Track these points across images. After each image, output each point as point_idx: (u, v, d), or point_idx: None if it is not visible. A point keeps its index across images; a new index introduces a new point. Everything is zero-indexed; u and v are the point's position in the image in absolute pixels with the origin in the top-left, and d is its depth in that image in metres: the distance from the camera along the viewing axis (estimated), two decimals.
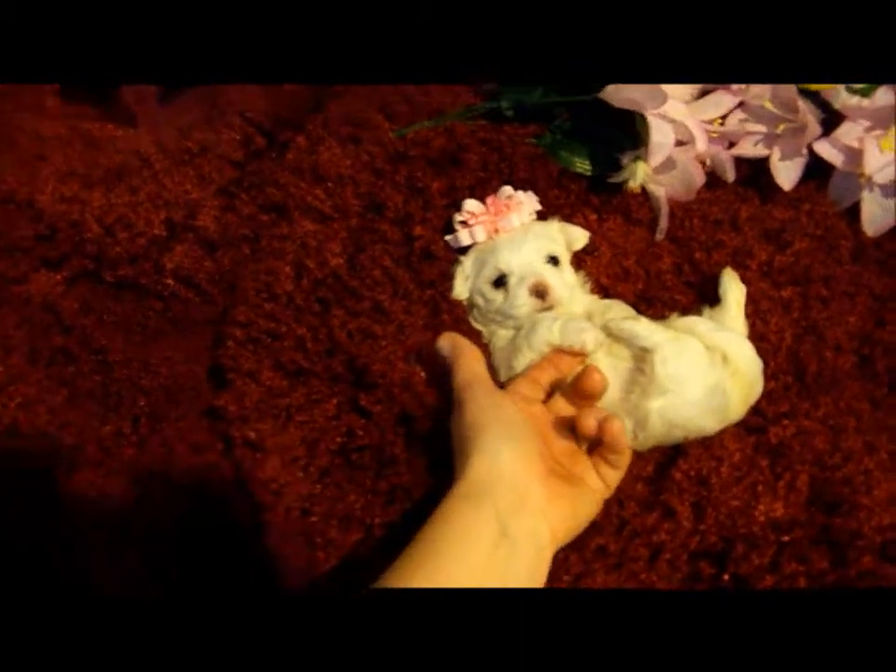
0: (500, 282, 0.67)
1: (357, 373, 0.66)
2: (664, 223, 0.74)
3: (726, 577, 0.58)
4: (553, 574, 0.54)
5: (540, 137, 0.77)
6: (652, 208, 0.75)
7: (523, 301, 0.65)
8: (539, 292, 0.65)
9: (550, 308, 0.66)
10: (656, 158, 0.71)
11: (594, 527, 0.59)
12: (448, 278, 0.70)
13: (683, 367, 0.60)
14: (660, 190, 0.74)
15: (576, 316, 0.65)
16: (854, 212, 0.74)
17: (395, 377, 0.65)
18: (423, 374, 0.66)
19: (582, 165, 0.76)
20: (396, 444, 0.64)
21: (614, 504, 0.60)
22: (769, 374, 0.65)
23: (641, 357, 0.61)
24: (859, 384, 0.66)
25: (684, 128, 0.71)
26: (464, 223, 0.71)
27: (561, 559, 0.57)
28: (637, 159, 0.73)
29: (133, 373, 0.74)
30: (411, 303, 0.69)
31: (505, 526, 0.51)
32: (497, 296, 0.67)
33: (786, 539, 0.59)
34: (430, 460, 0.63)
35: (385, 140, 0.76)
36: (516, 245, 0.68)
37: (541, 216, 0.73)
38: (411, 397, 0.64)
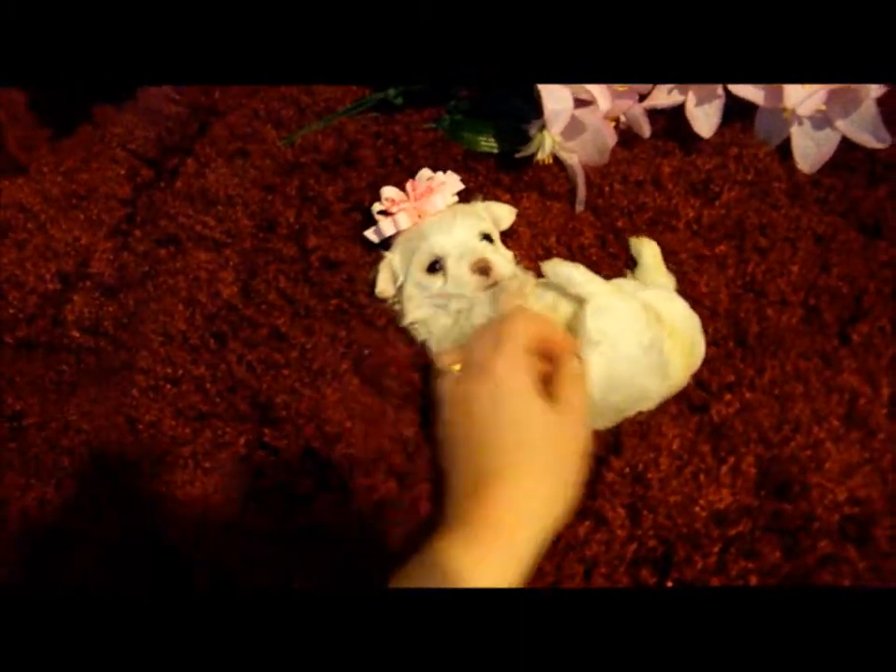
0: (435, 266, 0.62)
1: (261, 409, 0.62)
2: (581, 193, 0.68)
3: (669, 584, 0.53)
4: None
5: (439, 120, 0.71)
6: (568, 178, 0.69)
7: (467, 280, 0.60)
8: (482, 269, 0.61)
9: (494, 285, 0.61)
10: (556, 125, 0.64)
11: None
12: (353, 280, 0.65)
13: (614, 321, 0.56)
14: (572, 158, 0.68)
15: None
16: (786, 149, 0.66)
17: (300, 407, 0.61)
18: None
19: (488, 143, 0.71)
20: (303, 481, 0.59)
21: None
22: (708, 341, 0.60)
23: (577, 311, 0.57)
24: (806, 339, 0.60)
25: (584, 89, 0.64)
26: (384, 212, 0.65)
27: None
28: (543, 128, 0.67)
29: (51, 435, 0.70)
30: (313, 321, 0.64)
31: None
32: (435, 281, 0.62)
33: (732, 533, 0.53)
34: (339, 496, 0.58)
35: (273, 151, 0.71)
36: (446, 226, 0.63)
37: (461, 198, 0.68)
38: (315, 428, 0.59)
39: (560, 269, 0.58)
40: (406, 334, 0.63)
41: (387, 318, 0.63)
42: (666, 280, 0.62)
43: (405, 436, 0.59)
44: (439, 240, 0.62)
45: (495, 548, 0.47)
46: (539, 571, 0.53)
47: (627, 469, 0.56)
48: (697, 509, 0.54)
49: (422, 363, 0.61)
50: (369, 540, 0.56)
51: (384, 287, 0.64)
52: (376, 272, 0.64)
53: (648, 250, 0.63)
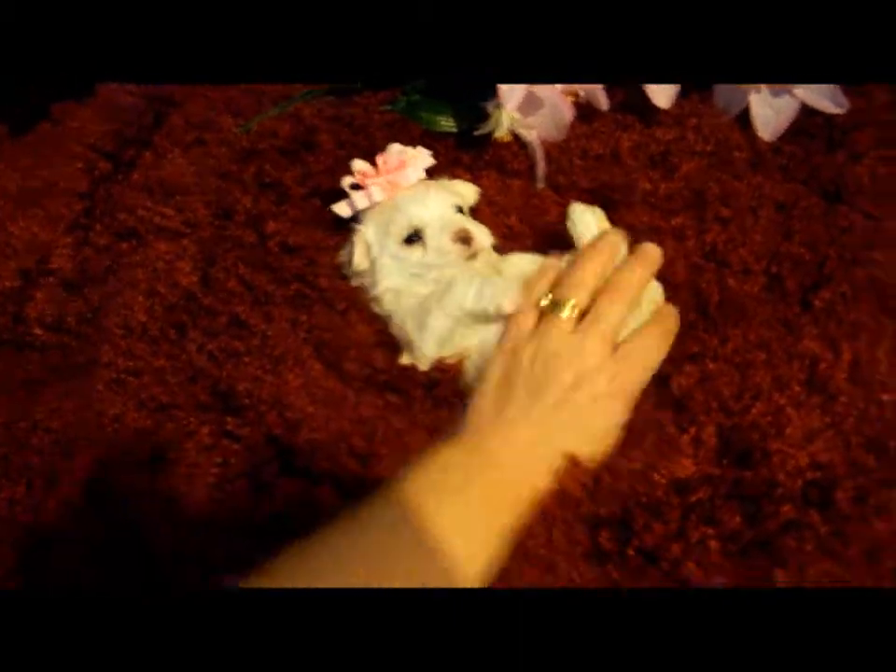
0: (413, 238, 0.61)
1: (223, 397, 0.61)
2: (541, 169, 0.67)
3: (630, 552, 0.52)
4: None
5: (395, 102, 0.71)
6: (528, 156, 0.68)
7: (448, 250, 0.60)
8: (464, 239, 0.60)
9: (475, 255, 0.61)
10: (511, 101, 0.64)
11: None
12: (313, 264, 0.65)
13: None
14: (531, 134, 0.68)
15: (491, 277, 0.60)
16: (746, 119, 0.66)
17: (262, 394, 0.60)
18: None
19: (447, 123, 0.70)
20: (268, 469, 0.58)
21: None
22: None
23: None
24: (769, 307, 0.59)
25: None
26: (356, 186, 0.64)
27: None
28: (500, 105, 0.66)
29: (20, 434, 0.70)
30: (273, 307, 0.64)
31: None
32: (413, 253, 0.61)
33: (692, 500, 0.52)
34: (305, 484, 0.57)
35: (230, 139, 0.70)
36: (421, 198, 0.62)
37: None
38: (278, 414, 0.59)
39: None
40: (367, 314, 0.62)
41: (347, 302, 0.63)
42: None
43: (365, 417, 0.58)
44: (417, 211, 0.61)
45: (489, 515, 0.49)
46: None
47: None
48: (657, 477, 0.53)
49: (383, 343, 0.60)
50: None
51: (360, 259, 0.63)
52: (351, 245, 0.63)
53: (592, 217, 0.62)
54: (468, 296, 0.57)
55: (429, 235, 0.61)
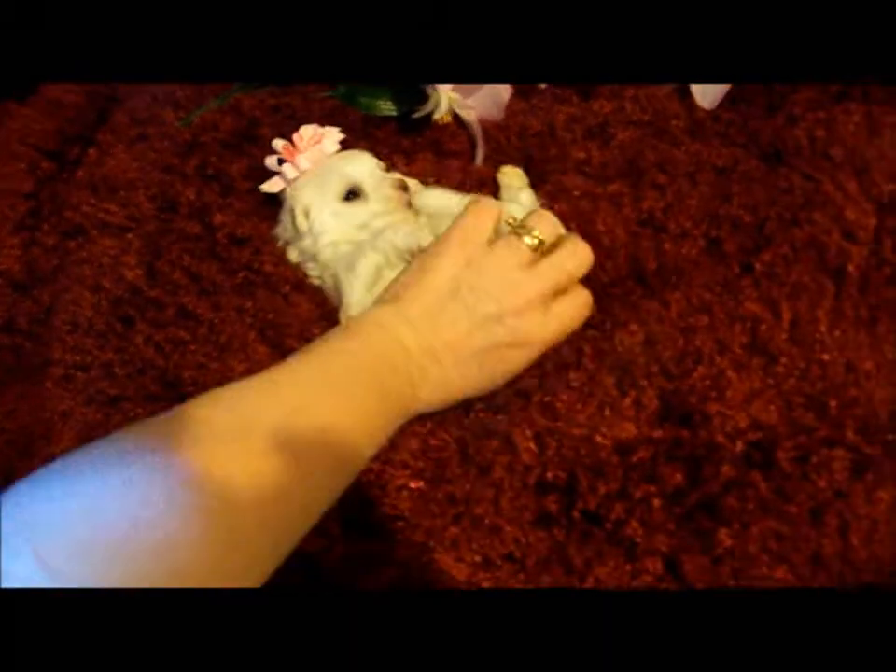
0: (352, 194, 0.63)
1: (170, 387, 0.61)
2: (480, 148, 0.67)
3: (575, 514, 0.52)
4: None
5: (335, 88, 0.70)
6: (468, 136, 0.68)
7: (391, 196, 0.62)
8: (403, 186, 0.63)
9: (409, 203, 0.63)
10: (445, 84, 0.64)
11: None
12: (260, 253, 0.65)
13: None
14: (471, 114, 0.68)
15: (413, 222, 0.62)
16: (684, 89, 0.66)
17: (207, 381, 0.60)
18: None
19: (386, 106, 0.70)
20: None
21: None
22: (607, 280, 0.59)
23: None
24: (708, 271, 0.59)
25: None
26: (282, 161, 0.66)
27: None
28: (438, 87, 0.67)
29: None
30: (220, 296, 0.64)
31: None
32: (354, 208, 0.63)
33: (633, 460, 0.52)
34: None
35: (172, 133, 0.70)
36: (351, 159, 0.65)
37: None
38: None
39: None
40: (309, 294, 0.63)
41: (290, 284, 0.63)
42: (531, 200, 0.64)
43: None
44: (351, 170, 0.63)
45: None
46: (450, 496, 0.53)
47: (539, 398, 0.55)
48: (600, 439, 0.53)
49: (324, 318, 0.61)
50: None
51: (301, 220, 0.64)
52: (290, 211, 0.64)
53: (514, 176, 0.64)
54: (398, 234, 0.59)
55: (371, 186, 0.63)
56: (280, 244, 0.65)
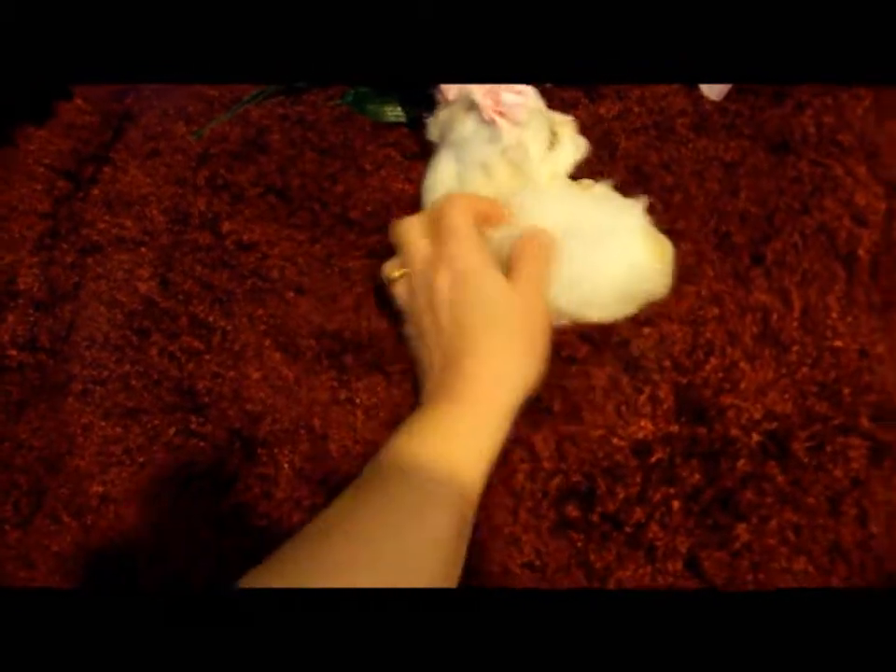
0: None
1: (186, 396, 0.62)
2: None
3: (595, 518, 0.52)
4: None
5: (343, 95, 0.71)
6: None
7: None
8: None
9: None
10: (451, 90, 0.64)
11: None
12: (266, 258, 0.66)
13: None
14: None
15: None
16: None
17: (223, 390, 0.61)
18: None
19: (394, 113, 0.70)
20: (230, 463, 0.59)
21: None
22: None
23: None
24: (718, 264, 0.59)
25: None
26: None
27: None
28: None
29: (4, 455, 0.71)
30: (232, 304, 0.64)
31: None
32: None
33: (651, 461, 0.52)
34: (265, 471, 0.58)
35: (183, 146, 0.71)
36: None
37: None
38: (238, 410, 0.60)
39: None
40: (314, 298, 0.64)
41: (294, 290, 0.64)
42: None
43: (321, 399, 0.59)
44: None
45: (476, 415, 0.49)
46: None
47: (559, 406, 0.55)
48: (617, 440, 0.53)
49: (330, 327, 0.62)
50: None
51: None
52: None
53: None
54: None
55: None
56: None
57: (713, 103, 0.65)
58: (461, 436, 0.48)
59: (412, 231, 0.56)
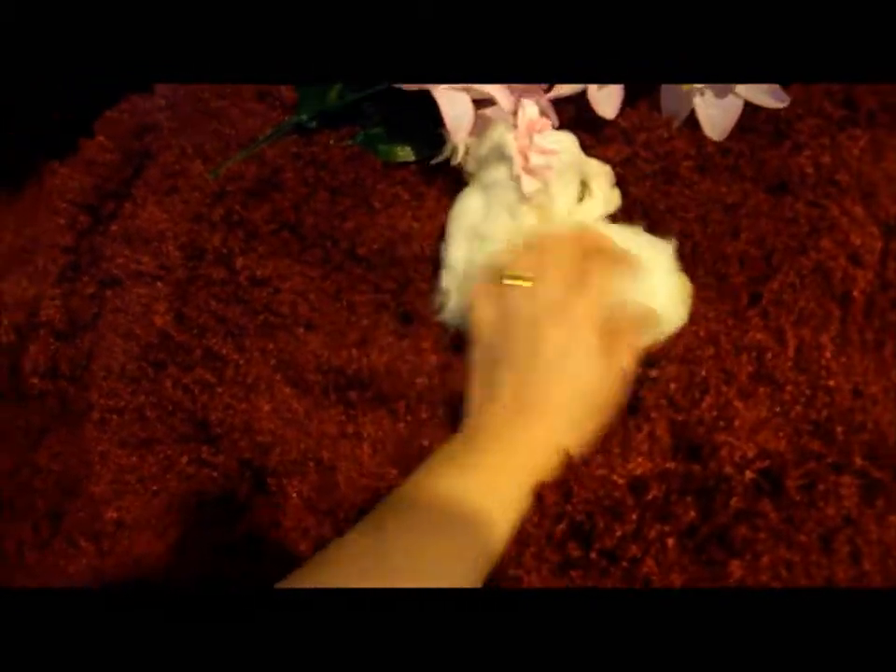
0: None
1: (199, 427, 0.64)
2: None
3: (593, 555, 0.53)
4: None
5: (355, 136, 0.73)
6: None
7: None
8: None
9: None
10: (459, 133, 0.65)
11: None
12: (278, 292, 0.68)
13: None
14: None
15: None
16: (694, 121, 0.67)
17: (234, 421, 0.63)
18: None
19: (404, 152, 0.72)
20: (240, 491, 0.61)
21: None
22: None
23: None
24: (717, 306, 0.60)
25: (480, 91, 0.65)
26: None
27: None
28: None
29: (24, 479, 0.73)
30: (245, 338, 0.67)
31: None
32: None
33: (648, 498, 0.53)
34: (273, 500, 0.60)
35: (201, 184, 0.73)
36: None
37: None
38: (249, 440, 0.62)
39: None
40: (323, 333, 0.66)
41: (304, 325, 0.66)
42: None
43: (329, 432, 0.61)
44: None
45: (522, 470, 0.52)
46: None
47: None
48: (616, 478, 0.54)
49: (337, 362, 0.64)
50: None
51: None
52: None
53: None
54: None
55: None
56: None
57: (715, 144, 0.67)
58: (500, 484, 0.51)
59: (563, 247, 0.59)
